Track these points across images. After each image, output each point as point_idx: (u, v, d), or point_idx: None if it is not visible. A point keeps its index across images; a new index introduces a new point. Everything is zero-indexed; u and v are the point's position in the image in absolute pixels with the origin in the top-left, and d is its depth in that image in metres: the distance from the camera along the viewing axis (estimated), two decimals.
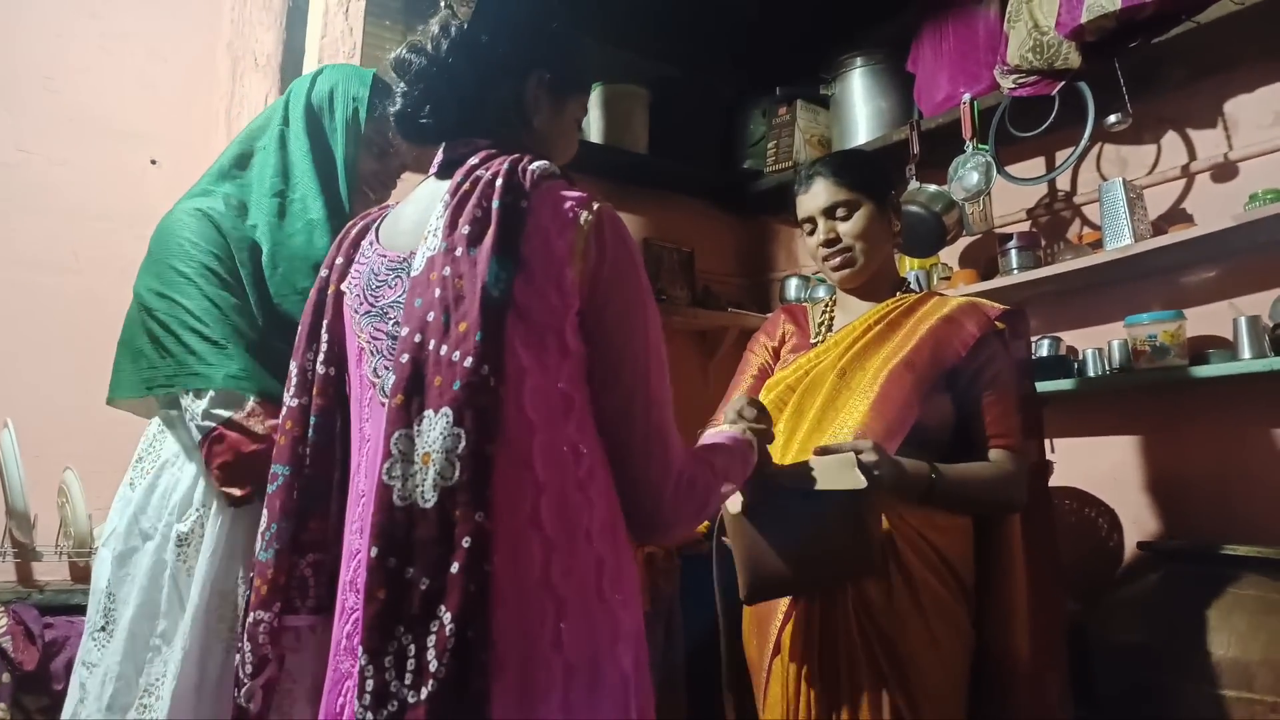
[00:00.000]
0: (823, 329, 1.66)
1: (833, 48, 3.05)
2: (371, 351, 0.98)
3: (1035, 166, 2.65)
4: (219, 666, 1.18)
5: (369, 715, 0.79)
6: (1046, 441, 2.32)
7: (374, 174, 1.45)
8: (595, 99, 3.02)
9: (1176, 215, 2.34)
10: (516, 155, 0.96)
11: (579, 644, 0.86)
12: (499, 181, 0.91)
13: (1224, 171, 2.28)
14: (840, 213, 1.58)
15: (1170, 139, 2.39)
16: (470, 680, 0.78)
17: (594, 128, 3.03)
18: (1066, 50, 2.23)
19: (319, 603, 1.02)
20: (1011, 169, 2.56)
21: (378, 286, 1.00)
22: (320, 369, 1.05)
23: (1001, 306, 1.57)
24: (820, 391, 1.52)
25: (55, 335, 2.17)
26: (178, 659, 1.20)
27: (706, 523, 1.74)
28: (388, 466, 0.84)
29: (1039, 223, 2.67)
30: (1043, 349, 2.46)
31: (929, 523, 1.43)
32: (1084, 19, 2.11)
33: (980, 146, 2.50)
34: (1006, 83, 2.41)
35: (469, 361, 0.83)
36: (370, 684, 0.79)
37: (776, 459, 1.45)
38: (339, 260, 1.09)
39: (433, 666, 0.78)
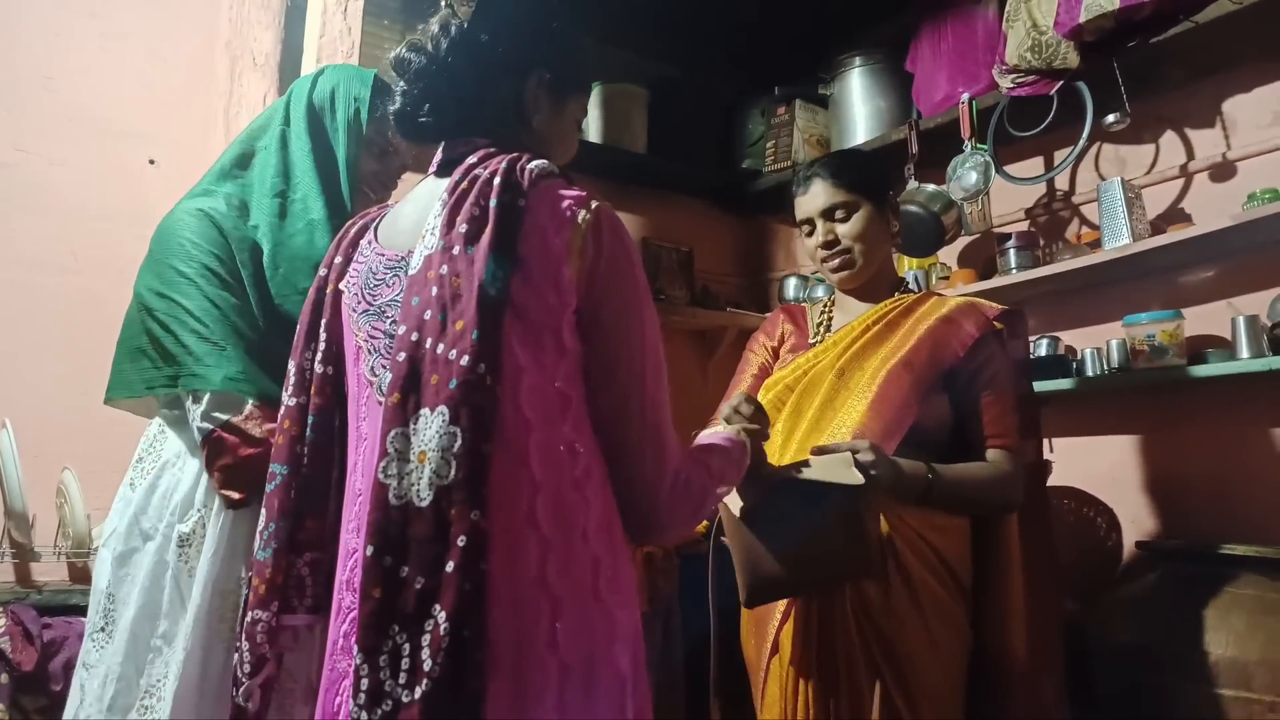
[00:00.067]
0: (821, 329, 1.66)
1: (831, 47, 3.05)
2: (369, 350, 0.98)
3: (1034, 166, 2.65)
4: (221, 667, 1.18)
5: (363, 714, 0.79)
6: (1045, 441, 2.33)
7: (374, 174, 1.45)
8: (594, 99, 3.02)
9: (1175, 215, 2.34)
10: (515, 154, 0.96)
11: (575, 644, 0.86)
12: (497, 180, 0.91)
13: (1222, 171, 2.28)
14: (839, 214, 1.58)
15: (1168, 139, 2.39)
16: (465, 680, 0.77)
17: (593, 127, 3.03)
18: (1065, 50, 2.23)
19: (316, 602, 1.02)
20: (1010, 169, 2.56)
21: (375, 285, 1.00)
22: (318, 368, 1.05)
23: (1000, 306, 1.57)
24: (818, 391, 1.52)
25: (54, 335, 2.17)
26: (179, 659, 1.20)
27: (705, 523, 1.74)
28: (384, 465, 0.84)
29: (1037, 222, 2.67)
30: (1041, 349, 2.46)
31: (927, 523, 1.43)
32: (1082, 19, 2.11)
33: (979, 146, 2.50)
34: (1005, 82, 2.41)
35: (465, 360, 0.83)
36: (365, 683, 0.79)
37: (775, 459, 1.46)
38: (337, 259, 1.09)
39: (427, 666, 0.78)
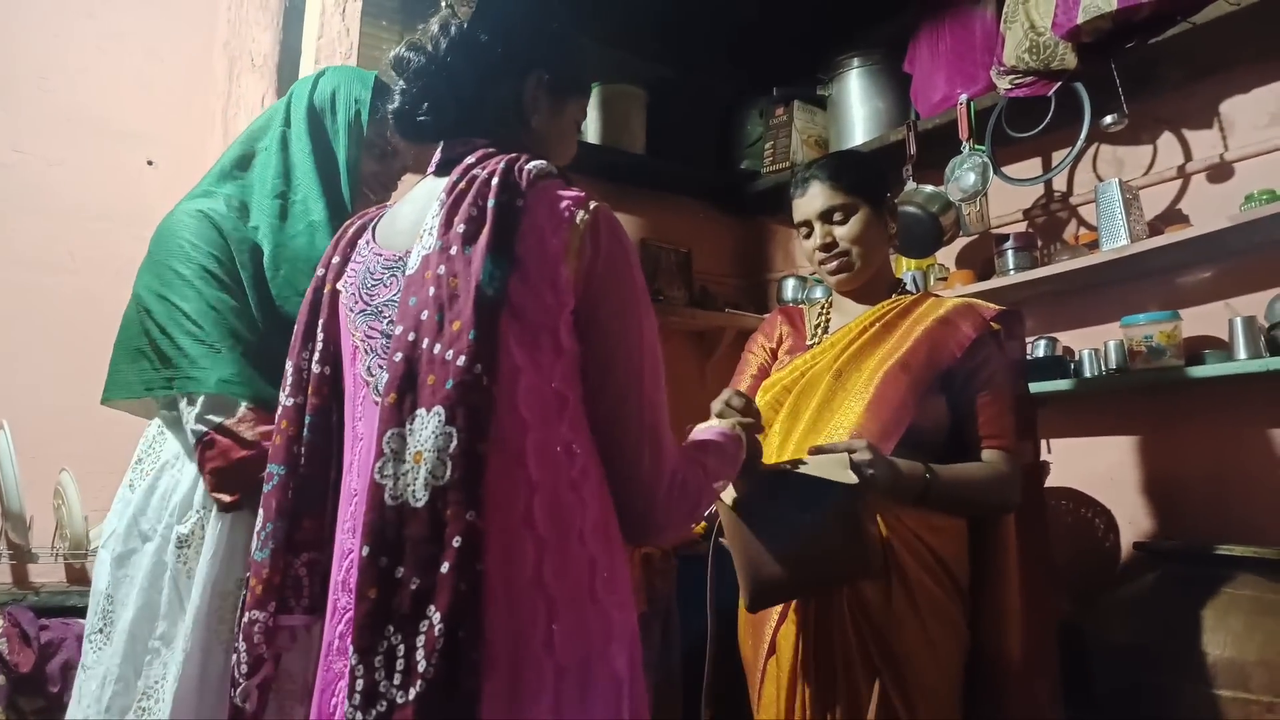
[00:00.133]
0: (819, 331, 1.66)
1: (830, 48, 3.05)
2: (366, 350, 0.98)
3: (1032, 167, 2.65)
4: (220, 668, 1.18)
5: (358, 715, 0.79)
6: (1044, 442, 2.33)
7: (375, 176, 1.45)
8: (593, 99, 3.02)
9: (1172, 216, 2.34)
10: (513, 155, 0.96)
11: (571, 645, 0.86)
12: (495, 180, 0.91)
13: (1220, 172, 2.28)
14: (837, 216, 1.58)
15: (1166, 140, 2.39)
16: (460, 680, 0.77)
17: (591, 128, 3.04)
18: (1063, 51, 2.23)
19: (313, 602, 1.02)
20: (1008, 170, 2.57)
21: (373, 285, 1.00)
22: (315, 368, 1.05)
23: (997, 307, 1.57)
24: (816, 393, 1.52)
25: (51, 336, 2.17)
26: (179, 661, 1.20)
27: (704, 524, 1.74)
28: (380, 465, 0.83)
29: (1035, 223, 2.67)
30: (1039, 349, 2.46)
31: (924, 524, 1.43)
32: (1080, 20, 2.12)
33: (977, 147, 2.50)
34: (1003, 83, 2.41)
35: (462, 360, 0.83)
36: (360, 684, 0.79)
37: (772, 460, 1.46)
38: (335, 259, 1.08)
39: (421, 667, 0.77)
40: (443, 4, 1.06)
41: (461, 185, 0.93)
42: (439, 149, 1.06)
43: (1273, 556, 1.80)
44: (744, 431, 1.20)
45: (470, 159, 0.98)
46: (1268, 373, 1.97)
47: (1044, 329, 2.55)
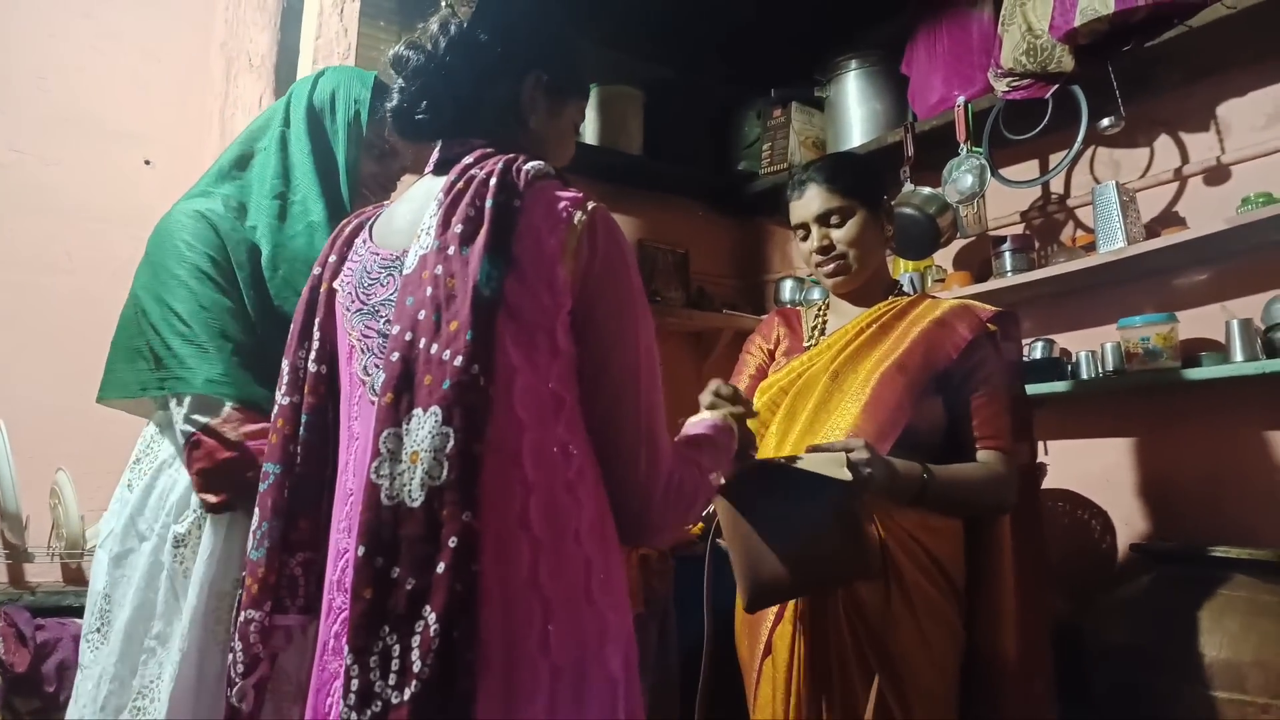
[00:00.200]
0: (816, 332, 1.67)
1: (827, 50, 3.06)
2: (362, 349, 0.98)
3: (1029, 169, 2.66)
4: (217, 668, 1.18)
5: (353, 715, 0.79)
6: (1040, 444, 2.33)
7: (374, 176, 1.44)
8: (591, 101, 3.01)
9: (1169, 218, 2.35)
10: (511, 155, 0.96)
11: (566, 646, 0.86)
12: (493, 181, 0.91)
13: (1216, 175, 2.29)
14: (834, 219, 1.58)
15: (1163, 142, 2.40)
16: (455, 681, 0.77)
17: (589, 129, 3.04)
18: (1060, 53, 2.24)
19: (308, 602, 1.02)
20: (1005, 172, 2.57)
21: (369, 284, 1.00)
22: (312, 367, 1.05)
23: (993, 308, 1.57)
24: (812, 394, 1.52)
25: (48, 336, 2.17)
26: (175, 660, 1.19)
27: (701, 524, 1.74)
28: (376, 465, 0.83)
29: (1033, 225, 2.67)
30: (1036, 351, 2.46)
31: (920, 524, 1.43)
32: (1077, 22, 2.12)
33: (974, 149, 2.51)
34: (1000, 85, 2.41)
35: (459, 360, 0.83)
36: (355, 684, 0.79)
37: None
38: (332, 258, 1.08)
39: (416, 667, 0.77)
40: (442, 3, 1.06)
41: (459, 185, 0.93)
42: (437, 148, 1.06)
43: (1268, 558, 1.81)
44: (735, 421, 1.20)
45: (468, 159, 0.97)
46: (1264, 375, 1.97)
47: (1041, 331, 2.55)
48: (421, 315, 0.87)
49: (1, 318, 2.14)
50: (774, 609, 1.45)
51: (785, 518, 1.28)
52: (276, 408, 1.06)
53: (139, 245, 1.34)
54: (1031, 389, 2.14)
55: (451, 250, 0.88)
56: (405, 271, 0.92)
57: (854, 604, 1.39)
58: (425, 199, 0.99)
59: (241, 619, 1.00)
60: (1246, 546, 1.87)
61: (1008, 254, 2.52)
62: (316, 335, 1.06)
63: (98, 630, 1.26)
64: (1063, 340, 2.51)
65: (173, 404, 1.24)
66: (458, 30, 1.03)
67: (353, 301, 1.01)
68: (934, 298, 1.64)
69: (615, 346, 0.94)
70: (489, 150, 0.99)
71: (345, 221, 1.13)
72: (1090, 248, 2.35)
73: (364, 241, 1.06)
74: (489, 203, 0.90)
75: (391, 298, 0.96)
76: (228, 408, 1.21)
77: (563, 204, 0.93)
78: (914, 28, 2.77)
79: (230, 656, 1.01)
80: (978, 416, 1.49)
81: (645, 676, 2.12)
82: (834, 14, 2.95)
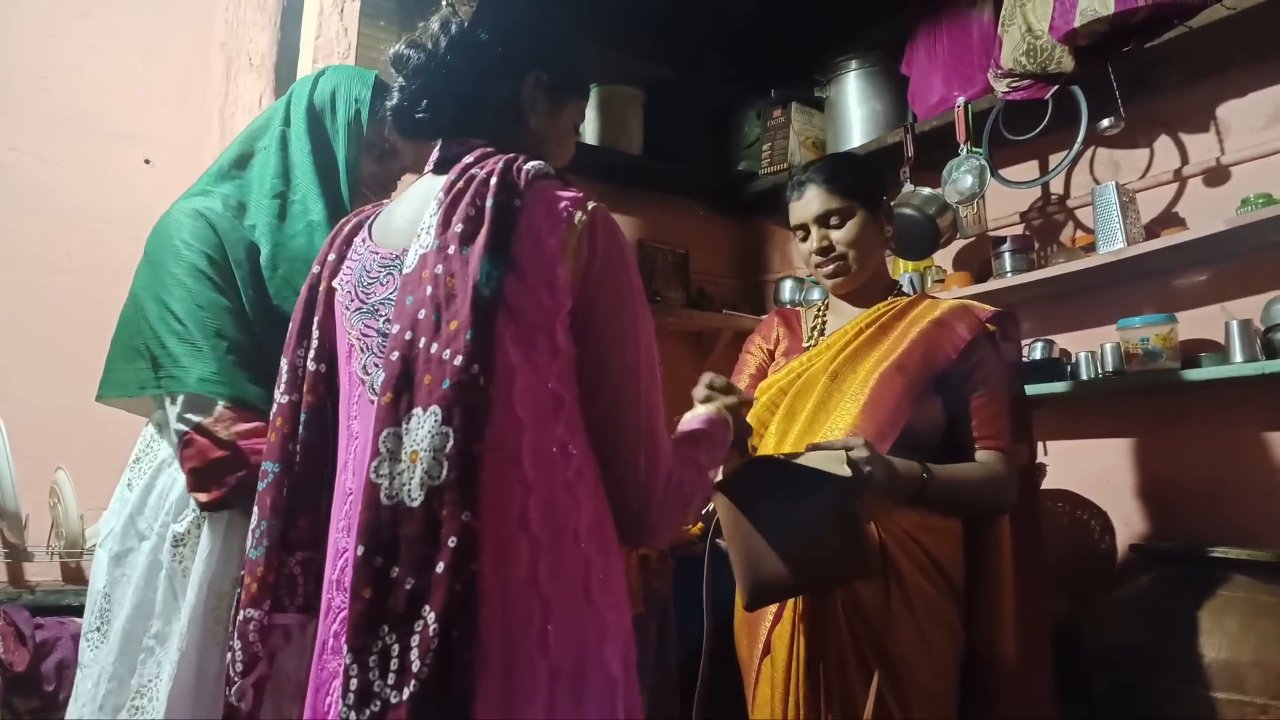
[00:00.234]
0: (815, 333, 1.67)
1: (827, 50, 3.05)
2: (361, 349, 0.97)
3: (1029, 170, 2.66)
4: (217, 668, 1.17)
5: (352, 715, 0.79)
6: (1040, 444, 2.34)
7: (374, 176, 1.44)
8: (590, 101, 3.01)
9: (1169, 219, 2.35)
10: (512, 155, 0.96)
11: (565, 646, 0.86)
12: (493, 180, 0.91)
13: (1216, 175, 2.29)
14: (833, 220, 1.58)
15: (1163, 143, 2.40)
16: (454, 681, 0.77)
17: (589, 129, 3.04)
18: (1060, 54, 2.24)
19: (307, 601, 1.02)
20: (1005, 172, 2.57)
21: (369, 283, 1.00)
22: (311, 365, 1.05)
23: (992, 309, 1.57)
24: (812, 394, 1.52)
25: (47, 335, 2.16)
26: (173, 660, 1.19)
27: (700, 524, 1.74)
28: (375, 464, 0.83)
29: (1032, 226, 2.67)
30: (1036, 352, 2.47)
31: (920, 524, 1.43)
32: (1077, 23, 2.12)
33: (974, 149, 2.51)
34: (1000, 86, 2.41)
35: (459, 360, 0.83)
36: (354, 683, 0.79)
37: None
38: (331, 256, 1.08)
39: (415, 667, 0.77)
40: (443, 2, 1.06)
41: (460, 185, 0.93)
42: (436, 147, 1.06)
43: (1267, 559, 1.81)
44: (730, 412, 1.20)
45: (468, 158, 0.98)
46: (1263, 376, 1.97)
47: (1041, 331, 2.55)
48: (421, 314, 0.87)
49: (1, 317, 2.14)
50: (773, 608, 1.45)
51: (785, 515, 1.28)
52: (275, 406, 1.06)
53: (139, 245, 1.34)
54: (1031, 389, 2.14)
55: (452, 249, 0.88)
56: (405, 271, 0.92)
57: (853, 604, 1.39)
58: (425, 198, 1.00)
59: (240, 618, 1.00)
60: (1246, 547, 1.87)
61: (1007, 254, 2.52)
62: (315, 334, 1.06)
63: (97, 629, 1.26)
64: (1062, 341, 2.51)
65: (167, 402, 1.24)
66: (458, 29, 1.03)
67: (352, 300, 1.01)
68: (933, 298, 1.64)
69: (615, 347, 0.94)
70: (489, 150, 0.99)
71: (344, 220, 1.13)
72: (1090, 248, 2.35)
73: (363, 240, 1.06)
74: (489, 202, 0.90)
75: (391, 297, 0.96)
76: (220, 406, 1.21)
77: (563, 204, 0.93)
78: (914, 28, 2.77)
79: (229, 655, 1.01)
80: (977, 417, 1.49)
81: (645, 676, 2.12)
82: (834, 14, 2.95)
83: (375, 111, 1.38)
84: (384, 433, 0.84)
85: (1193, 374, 2.09)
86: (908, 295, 1.64)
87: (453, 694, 0.77)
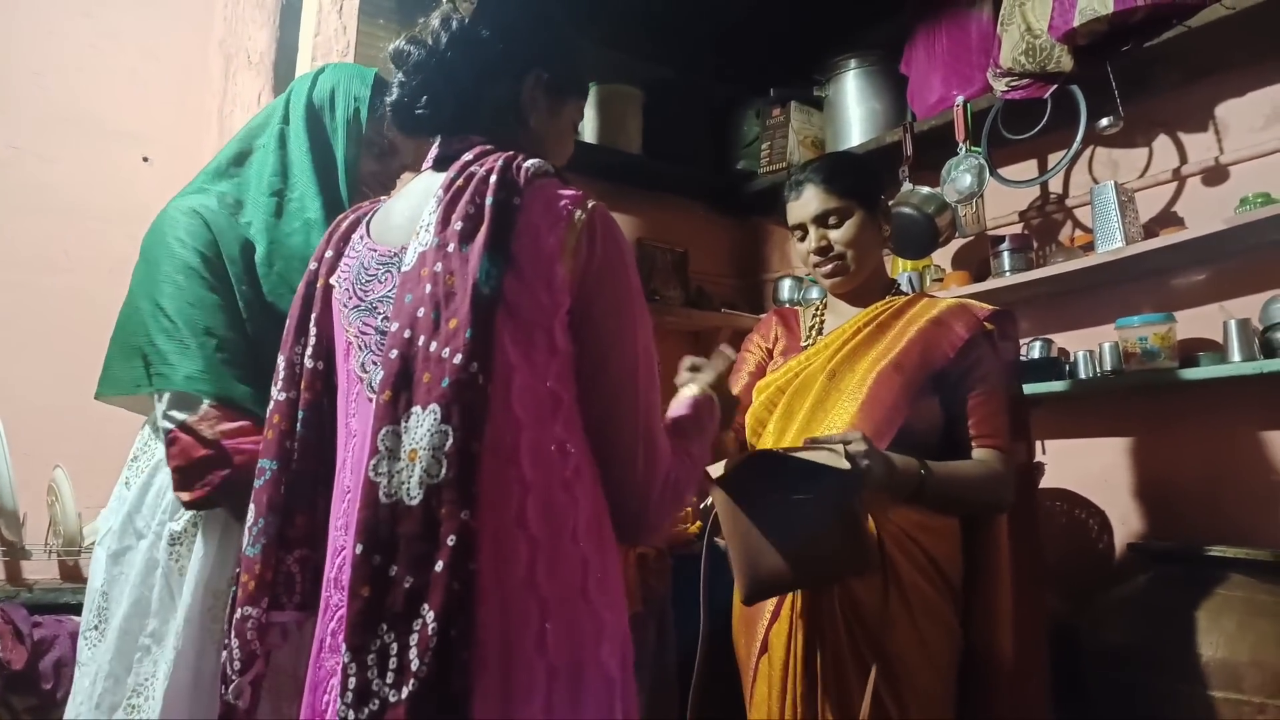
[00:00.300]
0: (813, 332, 1.67)
1: (826, 50, 3.05)
2: (360, 346, 0.97)
3: (1028, 169, 2.66)
4: (214, 667, 1.17)
5: (350, 713, 0.78)
6: (1038, 443, 2.34)
7: (373, 175, 1.44)
8: (590, 99, 3.02)
9: (1168, 218, 2.35)
10: (511, 153, 0.96)
11: (563, 645, 0.86)
12: (493, 178, 0.91)
13: (1215, 175, 2.29)
14: (831, 220, 1.58)
15: (1162, 142, 2.40)
16: (452, 680, 0.77)
17: (588, 128, 3.04)
18: (1059, 53, 2.24)
19: (305, 599, 1.02)
20: (1004, 171, 2.57)
21: (367, 281, 1.00)
22: (308, 363, 1.05)
23: (990, 307, 1.58)
24: (810, 394, 1.53)
25: (46, 334, 2.16)
26: (169, 659, 1.19)
27: (699, 523, 1.74)
28: (374, 463, 0.83)
29: (1031, 225, 2.68)
30: (1034, 351, 2.47)
31: (917, 523, 1.43)
32: (1076, 22, 2.12)
33: (973, 149, 2.51)
34: (999, 85, 2.41)
35: (458, 358, 0.83)
36: (353, 682, 0.79)
37: None
38: (328, 253, 1.08)
39: (414, 665, 0.77)
40: (443, 0, 1.05)
41: (459, 182, 0.93)
42: (435, 144, 1.06)
43: (1265, 558, 1.81)
44: (713, 391, 1.19)
45: (468, 155, 0.97)
46: (1261, 375, 1.97)
47: (1039, 330, 2.55)
48: (420, 312, 0.87)
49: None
50: (771, 607, 1.46)
51: (783, 509, 1.28)
52: (272, 403, 1.06)
53: (137, 243, 1.34)
54: (1029, 388, 2.14)
55: (451, 247, 0.88)
56: (404, 268, 0.91)
57: (851, 603, 1.39)
58: (424, 195, 0.99)
59: (238, 616, 1.00)
60: (1244, 546, 1.87)
61: (1006, 254, 2.52)
62: (313, 331, 1.05)
63: (95, 628, 1.26)
64: (1061, 340, 2.51)
65: (156, 400, 1.24)
66: (459, 26, 1.03)
67: (350, 298, 1.01)
68: (931, 297, 1.64)
69: (613, 346, 0.94)
70: (488, 147, 0.99)
71: (341, 217, 1.13)
72: (1088, 247, 2.36)
73: (361, 237, 1.06)
74: (489, 200, 0.90)
75: (389, 294, 0.95)
76: (205, 405, 1.20)
77: (562, 202, 0.93)
78: (913, 27, 2.77)
79: (226, 654, 1.00)
80: (974, 415, 1.49)
81: (642, 675, 2.12)
82: (833, 13, 2.94)
83: (375, 109, 1.38)
84: (382, 431, 0.84)
85: (1191, 373, 2.09)
86: (906, 294, 1.64)
87: (450, 693, 0.77)
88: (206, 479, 1.17)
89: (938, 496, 1.42)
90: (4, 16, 2.24)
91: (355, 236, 1.07)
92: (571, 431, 0.92)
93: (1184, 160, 2.35)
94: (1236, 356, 2.05)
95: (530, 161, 0.94)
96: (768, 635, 1.46)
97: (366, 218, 1.09)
